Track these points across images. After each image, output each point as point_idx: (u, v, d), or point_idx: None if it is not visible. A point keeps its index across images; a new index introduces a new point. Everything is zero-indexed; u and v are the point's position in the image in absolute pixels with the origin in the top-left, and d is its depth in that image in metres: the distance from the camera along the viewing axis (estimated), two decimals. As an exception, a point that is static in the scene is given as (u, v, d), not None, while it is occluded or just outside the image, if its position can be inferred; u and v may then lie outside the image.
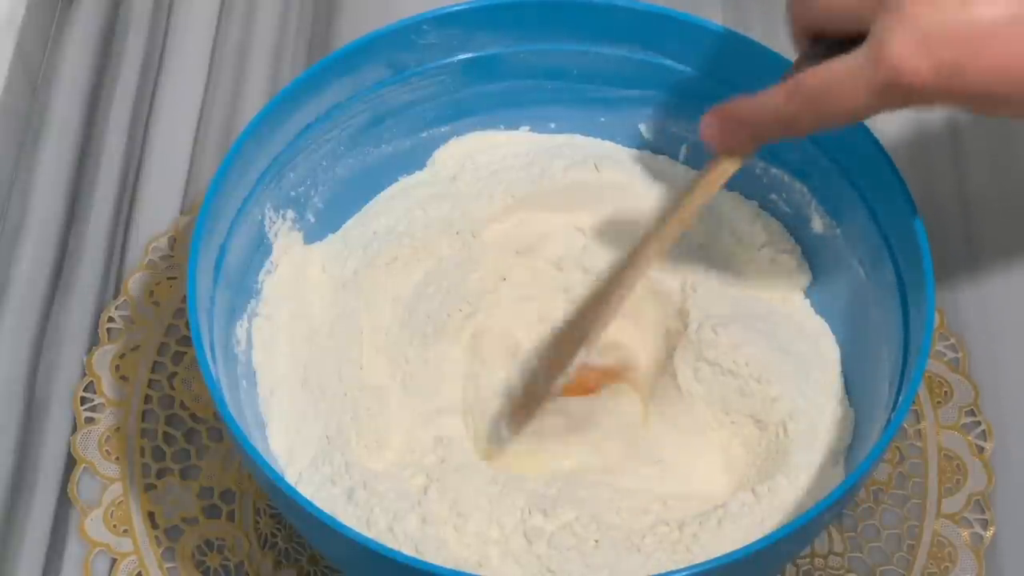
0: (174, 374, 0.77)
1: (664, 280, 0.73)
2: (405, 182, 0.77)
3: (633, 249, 0.67)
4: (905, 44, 0.54)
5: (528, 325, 0.74)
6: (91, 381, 0.77)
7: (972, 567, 0.72)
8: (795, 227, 0.75)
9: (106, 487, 0.74)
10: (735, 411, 0.70)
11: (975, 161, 0.85)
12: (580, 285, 0.75)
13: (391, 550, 0.59)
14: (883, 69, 0.55)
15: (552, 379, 0.68)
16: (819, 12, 0.59)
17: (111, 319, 0.79)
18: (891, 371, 0.66)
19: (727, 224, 0.75)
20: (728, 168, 0.64)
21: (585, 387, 0.72)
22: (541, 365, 0.70)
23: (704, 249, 0.75)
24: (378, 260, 0.73)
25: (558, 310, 0.74)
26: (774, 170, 0.75)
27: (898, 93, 0.55)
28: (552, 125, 0.78)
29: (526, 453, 0.70)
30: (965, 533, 0.73)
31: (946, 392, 0.77)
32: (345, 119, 0.73)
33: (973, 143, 0.85)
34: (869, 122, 0.67)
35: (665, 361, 0.72)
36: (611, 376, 0.72)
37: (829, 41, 0.59)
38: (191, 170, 0.84)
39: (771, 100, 0.60)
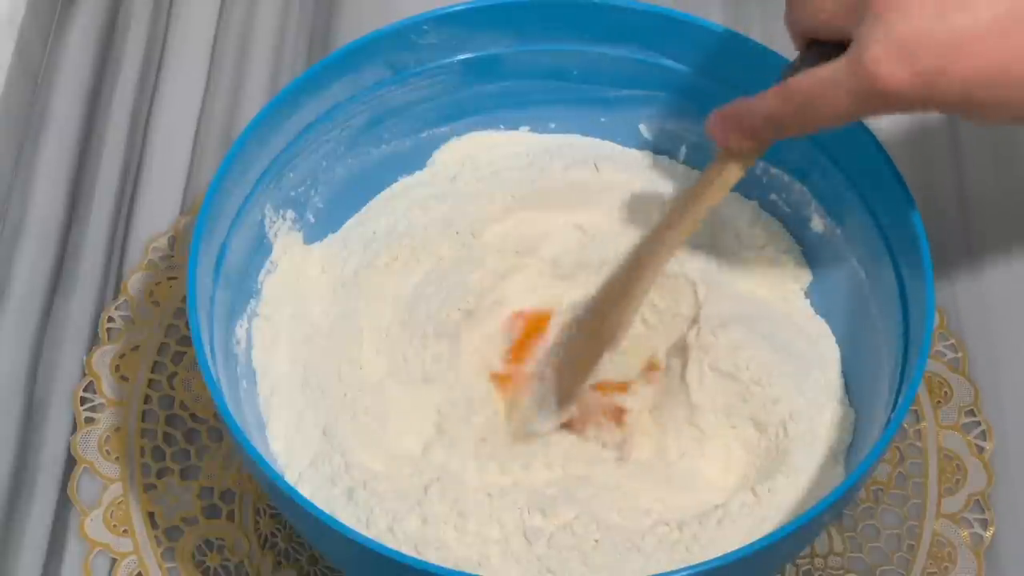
0: (174, 374, 0.77)
1: (668, 280, 0.73)
2: (405, 182, 0.77)
3: (640, 250, 0.68)
4: (883, 52, 0.56)
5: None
6: (91, 381, 0.77)
7: (972, 567, 0.72)
8: (795, 227, 0.75)
9: (106, 487, 0.74)
10: (736, 414, 0.70)
11: (975, 161, 0.85)
12: (580, 285, 0.75)
13: (391, 550, 0.59)
14: (862, 76, 0.57)
15: (576, 386, 0.69)
16: (809, 20, 0.61)
17: (111, 319, 0.79)
18: (891, 371, 0.66)
19: (727, 224, 0.75)
20: (733, 168, 0.65)
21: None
22: (561, 372, 0.71)
23: (704, 249, 0.75)
24: (378, 260, 0.73)
25: (558, 309, 0.74)
26: (774, 170, 0.75)
27: (878, 99, 0.57)
28: (552, 125, 0.78)
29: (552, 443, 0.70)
30: (965, 533, 0.73)
31: (946, 392, 0.77)
32: (345, 119, 0.73)
33: (973, 143, 0.85)
34: (869, 122, 0.67)
35: (667, 362, 0.72)
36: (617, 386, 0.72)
37: (824, 44, 0.60)
38: (191, 170, 0.84)
39: (764, 103, 0.62)
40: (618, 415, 0.70)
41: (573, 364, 0.70)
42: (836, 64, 0.58)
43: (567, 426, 0.70)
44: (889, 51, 0.56)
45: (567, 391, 0.70)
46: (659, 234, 0.68)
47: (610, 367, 0.71)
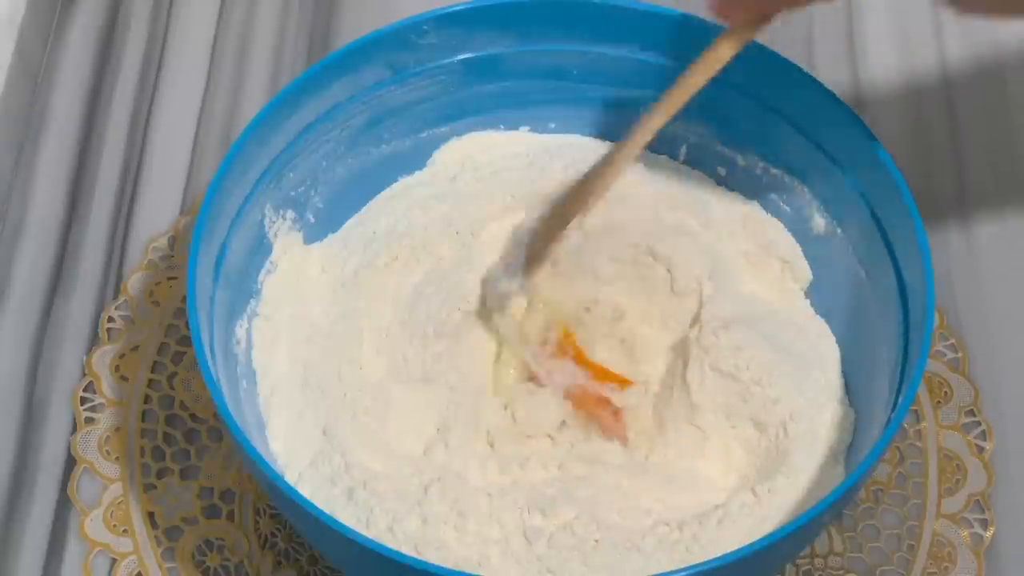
0: (174, 374, 0.77)
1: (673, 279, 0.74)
2: (405, 182, 0.77)
3: (635, 124, 0.68)
4: None
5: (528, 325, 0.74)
6: (91, 381, 0.77)
7: (972, 567, 0.72)
8: (795, 227, 0.75)
9: (106, 487, 0.74)
10: (736, 414, 0.70)
11: (975, 161, 0.85)
12: (580, 285, 0.75)
13: (391, 550, 0.59)
14: None
15: (553, 235, 0.70)
16: None
17: (111, 319, 0.79)
18: (891, 371, 0.66)
19: (727, 225, 0.75)
20: (726, 45, 0.64)
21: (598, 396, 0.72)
22: (542, 225, 0.72)
23: (704, 249, 0.75)
24: (378, 260, 0.73)
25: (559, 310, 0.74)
26: (774, 170, 0.75)
27: None
28: (552, 125, 0.78)
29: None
30: (965, 533, 0.73)
31: (946, 392, 0.77)
32: (345, 119, 0.73)
33: (973, 143, 0.85)
34: (869, 122, 0.67)
35: (668, 362, 0.72)
36: (618, 378, 0.72)
37: None
38: (191, 170, 0.84)
39: None
40: (616, 414, 0.71)
41: (544, 227, 0.71)
42: None
43: (569, 400, 0.71)
44: None
45: (533, 253, 0.71)
46: (641, 122, 0.67)
47: (610, 357, 0.72)
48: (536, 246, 0.71)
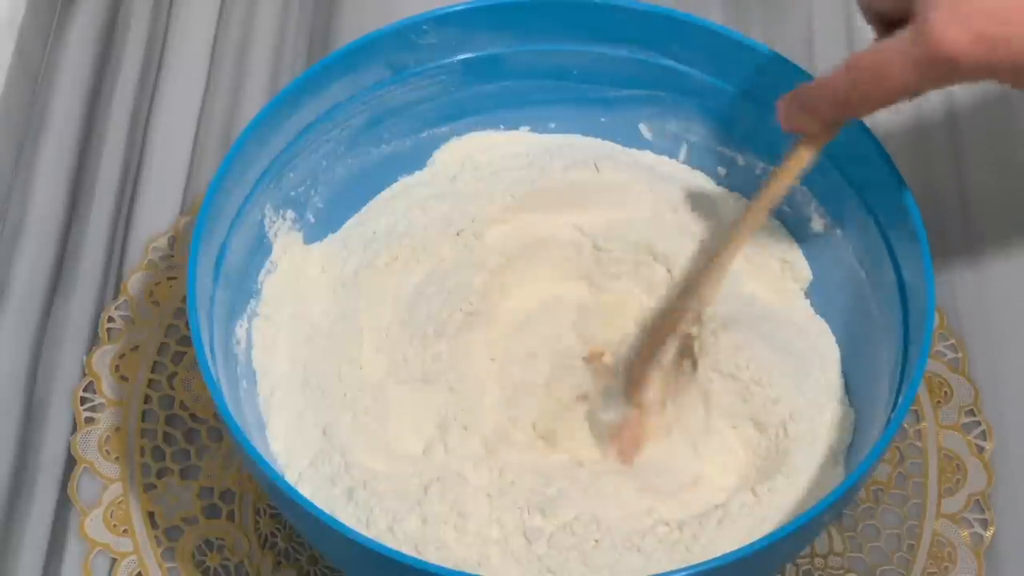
0: (174, 374, 0.77)
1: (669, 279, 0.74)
2: (405, 182, 0.77)
3: (711, 247, 0.70)
4: (946, 18, 0.56)
5: (528, 325, 0.74)
6: (91, 381, 0.77)
7: (972, 567, 0.72)
8: (795, 227, 0.75)
9: (106, 487, 0.74)
10: (736, 414, 0.70)
11: (975, 160, 0.85)
12: (580, 285, 0.75)
13: (391, 550, 0.59)
14: (926, 43, 0.57)
15: (640, 373, 0.70)
16: None
17: (111, 319, 0.79)
18: (891, 371, 0.66)
19: (727, 225, 0.75)
20: (803, 153, 0.65)
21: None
22: (639, 350, 0.72)
23: (704, 249, 0.75)
24: (378, 260, 0.73)
25: (558, 311, 0.74)
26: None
27: (941, 67, 0.57)
28: (552, 125, 0.78)
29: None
30: (965, 533, 0.73)
31: (946, 392, 0.77)
32: (345, 119, 0.73)
33: (973, 142, 0.85)
34: (869, 122, 0.67)
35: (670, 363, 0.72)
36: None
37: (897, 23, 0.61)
38: (191, 170, 0.84)
39: (828, 80, 0.62)
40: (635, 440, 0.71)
41: (639, 353, 0.71)
42: (899, 35, 0.58)
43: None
44: (952, 17, 0.56)
45: (634, 380, 0.70)
46: (731, 230, 0.68)
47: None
48: (636, 372, 0.71)
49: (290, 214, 0.73)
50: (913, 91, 0.59)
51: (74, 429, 0.75)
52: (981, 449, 0.75)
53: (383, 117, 0.75)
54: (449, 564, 0.64)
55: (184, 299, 0.79)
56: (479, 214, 0.75)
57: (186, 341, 0.78)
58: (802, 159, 0.65)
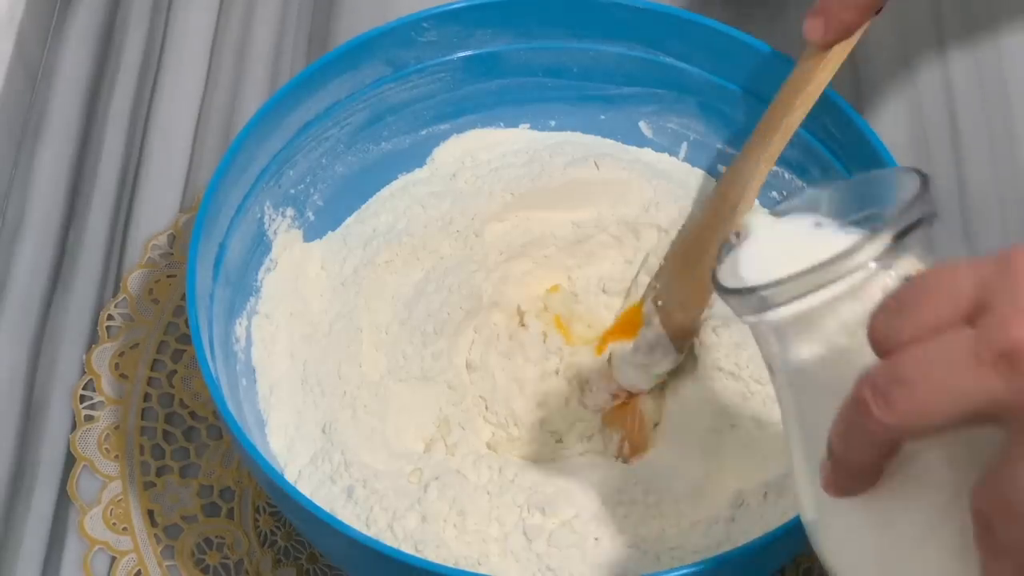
0: (173, 372, 0.77)
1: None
2: (405, 180, 0.77)
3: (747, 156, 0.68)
4: None
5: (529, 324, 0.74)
6: (90, 379, 0.77)
7: (972, 566, 0.72)
8: (795, 225, 0.75)
9: (105, 485, 0.74)
10: (737, 413, 0.70)
11: (975, 161, 0.85)
12: (579, 283, 0.75)
13: (391, 548, 0.59)
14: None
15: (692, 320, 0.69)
16: None
17: (110, 317, 0.79)
18: (891, 370, 0.66)
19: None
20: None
21: None
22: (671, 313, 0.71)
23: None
24: (378, 258, 0.73)
25: (559, 308, 0.74)
26: (774, 168, 0.74)
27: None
28: (552, 122, 0.78)
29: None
30: (965, 532, 0.73)
31: (947, 390, 0.77)
32: (345, 117, 0.73)
33: (973, 143, 0.85)
34: (869, 121, 0.67)
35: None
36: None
37: None
38: (191, 168, 0.84)
39: None
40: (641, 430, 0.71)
41: (685, 300, 0.70)
42: None
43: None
44: None
45: (685, 329, 0.70)
46: (754, 144, 0.68)
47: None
48: (682, 322, 0.70)
49: (290, 212, 0.73)
50: None
51: (73, 427, 0.75)
52: (981, 448, 0.75)
53: (383, 115, 0.75)
54: (449, 562, 0.64)
55: (184, 297, 0.79)
56: (479, 212, 0.75)
57: (186, 339, 0.77)
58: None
